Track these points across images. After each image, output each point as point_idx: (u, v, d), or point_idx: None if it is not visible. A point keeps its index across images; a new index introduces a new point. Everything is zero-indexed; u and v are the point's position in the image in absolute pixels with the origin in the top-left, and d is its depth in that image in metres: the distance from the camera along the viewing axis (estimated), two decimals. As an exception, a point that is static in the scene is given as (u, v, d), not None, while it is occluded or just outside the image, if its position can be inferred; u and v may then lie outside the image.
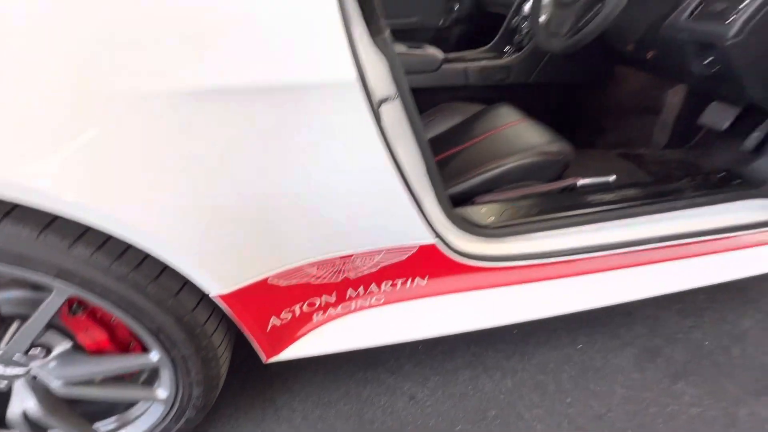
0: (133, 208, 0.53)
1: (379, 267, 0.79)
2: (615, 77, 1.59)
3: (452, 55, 1.63)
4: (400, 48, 1.46)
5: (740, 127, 1.16)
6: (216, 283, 0.63)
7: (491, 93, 1.54)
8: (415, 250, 0.78)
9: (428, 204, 0.78)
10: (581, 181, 1.08)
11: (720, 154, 1.40)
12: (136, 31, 0.47)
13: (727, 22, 0.88)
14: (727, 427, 0.91)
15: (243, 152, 0.55)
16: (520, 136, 1.16)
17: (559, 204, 0.98)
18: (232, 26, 0.49)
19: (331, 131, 0.59)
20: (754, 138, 1.23)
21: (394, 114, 0.69)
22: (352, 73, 0.54)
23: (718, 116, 1.23)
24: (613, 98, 1.62)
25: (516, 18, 1.61)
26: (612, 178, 1.09)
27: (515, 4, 1.61)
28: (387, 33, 0.63)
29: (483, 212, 0.95)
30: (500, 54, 1.66)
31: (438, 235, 0.77)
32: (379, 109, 0.63)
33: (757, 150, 1.14)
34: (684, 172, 1.42)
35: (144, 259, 0.59)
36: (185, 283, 0.63)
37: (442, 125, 1.44)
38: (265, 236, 0.64)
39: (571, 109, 1.66)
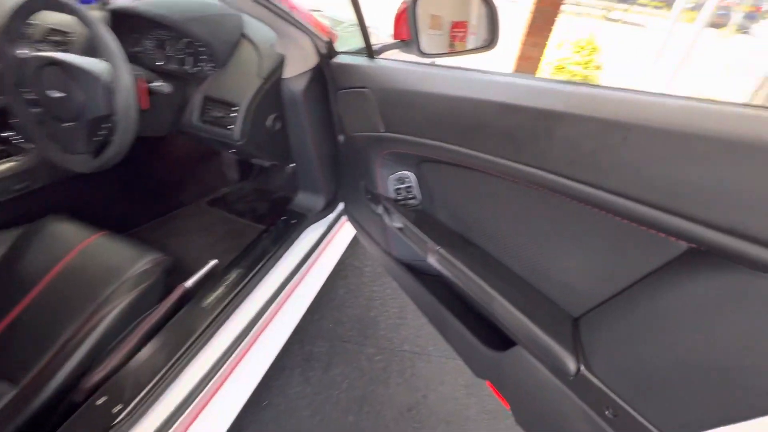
0: None
1: None
2: (170, 140, 1.60)
3: None
4: None
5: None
6: None
7: (22, 207, 1.17)
8: None
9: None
10: (189, 283, 1.10)
11: (277, 178, 1.83)
12: None
13: (230, 128, 1.07)
14: (361, 377, 1.38)
15: None
16: (97, 264, 1.00)
17: (179, 330, 0.96)
18: None
19: None
20: (289, 168, 1.70)
21: None
22: None
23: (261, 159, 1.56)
24: (180, 156, 1.66)
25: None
26: (214, 262, 1.18)
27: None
28: None
29: (102, 406, 0.80)
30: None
31: None
32: None
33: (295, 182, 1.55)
34: (261, 198, 1.76)
35: None
36: None
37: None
38: None
39: (144, 179, 1.56)
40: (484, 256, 0.72)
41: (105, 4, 1.21)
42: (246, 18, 1.22)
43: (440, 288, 0.92)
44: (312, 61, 1.15)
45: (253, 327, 1.08)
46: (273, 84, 1.12)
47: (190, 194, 1.69)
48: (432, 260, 0.76)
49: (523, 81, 0.58)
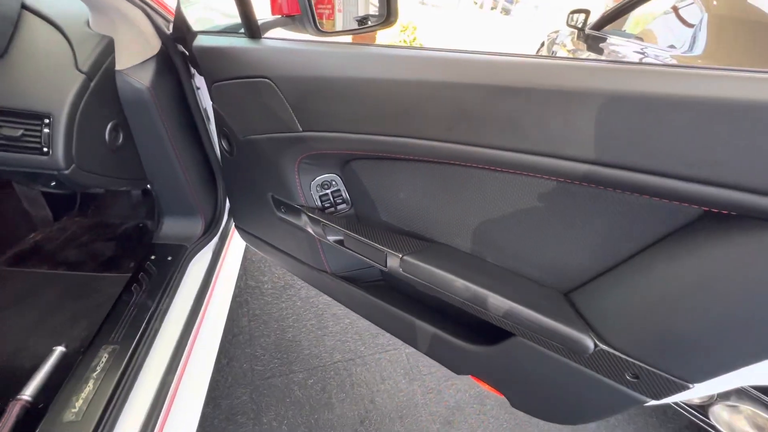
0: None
1: None
2: None
3: None
4: None
5: None
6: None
7: None
8: None
9: None
10: (27, 393, 0.73)
11: (119, 204, 1.39)
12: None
13: (46, 152, 0.71)
14: (300, 410, 1.22)
15: None
16: None
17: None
18: None
19: None
20: (137, 190, 1.32)
21: None
22: None
23: None
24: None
25: None
26: (58, 351, 0.82)
27: None
28: None
29: None
30: None
31: None
32: None
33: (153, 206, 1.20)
34: (102, 236, 1.31)
35: None
36: None
37: None
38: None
39: None
40: (453, 253, 0.67)
41: None
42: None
43: (392, 294, 0.84)
44: (154, 45, 0.86)
45: (152, 419, 0.79)
46: (102, 80, 0.78)
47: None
48: (395, 269, 0.67)
49: (469, 56, 0.52)
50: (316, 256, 0.87)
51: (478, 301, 0.59)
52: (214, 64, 0.77)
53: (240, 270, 1.62)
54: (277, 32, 0.82)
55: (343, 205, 0.81)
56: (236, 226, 1.11)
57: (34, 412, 0.72)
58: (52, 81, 0.72)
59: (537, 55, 0.46)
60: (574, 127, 0.43)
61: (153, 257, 1.03)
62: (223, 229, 1.27)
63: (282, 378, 1.29)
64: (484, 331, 0.68)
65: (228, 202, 1.20)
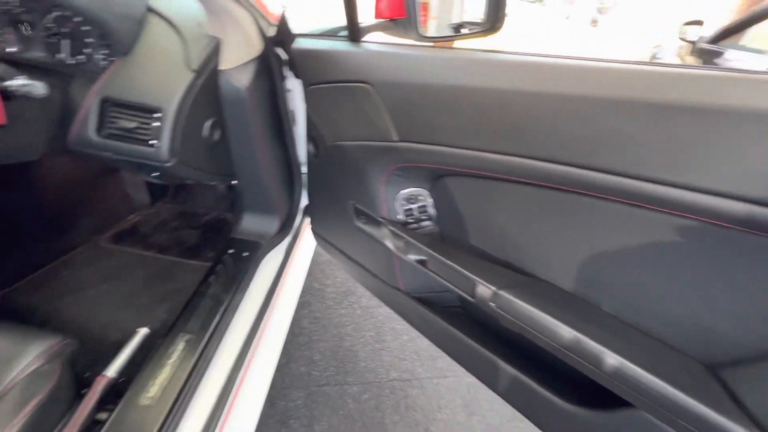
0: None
1: None
2: (44, 161, 1.15)
3: None
4: None
5: None
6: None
7: None
8: None
9: None
10: (112, 370, 0.77)
11: (205, 195, 1.47)
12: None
13: (152, 144, 0.75)
14: (353, 424, 1.17)
15: None
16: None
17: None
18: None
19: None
20: (223, 185, 1.38)
21: None
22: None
23: None
24: (60, 180, 1.20)
25: None
26: (143, 332, 0.85)
27: None
28: None
29: None
30: None
31: None
32: None
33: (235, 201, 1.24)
34: (188, 224, 1.39)
35: None
36: None
37: None
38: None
39: (5, 220, 1.09)
40: (559, 294, 0.58)
41: None
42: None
43: (471, 324, 0.76)
44: (257, 47, 0.88)
45: (218, 412, 0.80)
46: (208, 78, 0.81)
47: (80, 231, 1.24)
48: (486, 302, 0.59)
49: (624, 66, 0.43)
50: (390, 272, 0.83)
51: (589, 357, 0.49)
52: (312, 66, 0.76)
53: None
54: (372, 36, 0.79)
55: (428, 222, 0.75)
56: (312, 230, 1.11)
57: (115, 390, 0.75)
58: (166, 78, 0.76)
59: (725, 68, 0.36)
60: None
61: (231, 251, 1.05)
62: (296, 230, 1.28)
63: (337, 387, 1.26)
64: (586, 390, 0.58)
65: (303, 203, 1.21)
